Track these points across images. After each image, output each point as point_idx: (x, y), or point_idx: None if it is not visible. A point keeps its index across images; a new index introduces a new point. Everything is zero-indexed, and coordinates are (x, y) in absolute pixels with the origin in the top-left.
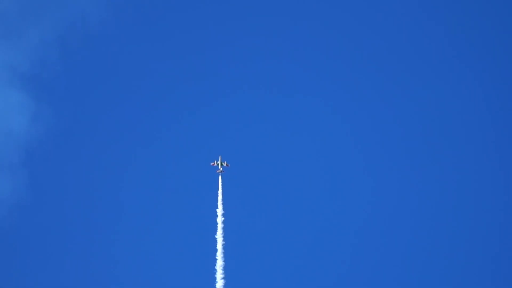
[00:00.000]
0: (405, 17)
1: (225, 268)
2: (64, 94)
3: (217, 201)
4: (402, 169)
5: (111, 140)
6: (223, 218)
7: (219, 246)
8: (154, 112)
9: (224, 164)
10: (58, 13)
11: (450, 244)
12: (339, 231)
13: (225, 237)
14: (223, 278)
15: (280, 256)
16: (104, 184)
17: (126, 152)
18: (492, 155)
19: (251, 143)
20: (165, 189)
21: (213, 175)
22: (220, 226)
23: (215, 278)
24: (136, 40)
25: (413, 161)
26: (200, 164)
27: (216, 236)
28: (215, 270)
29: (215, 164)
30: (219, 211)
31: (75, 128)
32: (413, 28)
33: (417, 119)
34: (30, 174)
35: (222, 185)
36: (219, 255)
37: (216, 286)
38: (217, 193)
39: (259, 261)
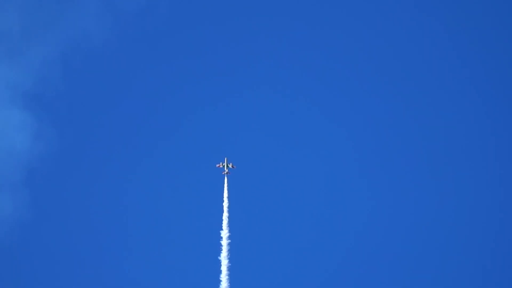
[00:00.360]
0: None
1: (230, 269)
2: (67, 113)
3: (222, 203)
4: (404, 168)
5: (114, 160)
6: (228, 220)
7: (224, 248)
8: (156, 124)
9: (230, 166)
10: (61, 32)
11: (448, 246)
12: (343, 232)
13: (230, 239)
14: (228, 279)
15: (285, 257)
16: (106, 204)
17: (129, 173)
18: (491, 158)
19: (257, 145)
20: (170, 193)
21: (219, 176)
22: (225, 227)
23: (219, 279)
24: (139, 60)
25: (414, 162)
26: (206, 165)
27: (221, 238)
28: (220, 271)
29: (221, 166)
30: (225, 212)
31: (77, 147)
32: (413, 30)
33: (416, 120)
34: (32, 193)
35: (228, 186)
36: (224, 257)
37: (221, 287)
38: (223, 195)
39: (264, 262)
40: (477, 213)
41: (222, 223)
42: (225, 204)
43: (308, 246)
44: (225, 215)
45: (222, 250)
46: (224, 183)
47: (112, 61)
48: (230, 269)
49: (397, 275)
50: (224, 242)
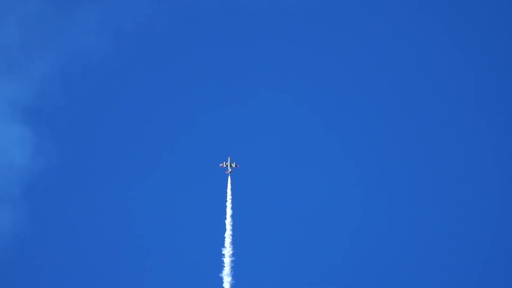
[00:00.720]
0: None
1: (233, 266)
2: (66, 128)
3: (225, 202)
4: (404, 171)
5: (113, 174)
6: (231, 219)
7: (227, 245)
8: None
9: (233, 165)
10: (61, 47)
11: (445, 249)
12: (344, 231)
13: (233, 237)
14: (231, 277)
15: (288, 256)
16: (106, 218)
17: (129, 187)
18: (489, 160)
19: (260, 144)
20: (174, 194)
21: (223, 176)
22: (228, 226)
23: (222, 277)
24: (138, 75)
25: (414, 166)
26: (210, 165)
27: (225, 236)
28: (223, 268)
29: (224, 165)
30: (228, 211)
31: (77, 162)
32: (416, 36)
33: (416, 124)
34: (32, 208)
35: (231, 186)
36: (227, 254)
37: (224, 286)
38: (226, 194)
39: (267, 260)
40: (474, 215)
41: (225, 222)
42: (229, 203)
43: (309, 245)
44: (229, 213)
45: (225, 248)
46: (227, 182)
47: (111, 76)
48: (233, 266)
49: (397, 275)
50: (227, 241)
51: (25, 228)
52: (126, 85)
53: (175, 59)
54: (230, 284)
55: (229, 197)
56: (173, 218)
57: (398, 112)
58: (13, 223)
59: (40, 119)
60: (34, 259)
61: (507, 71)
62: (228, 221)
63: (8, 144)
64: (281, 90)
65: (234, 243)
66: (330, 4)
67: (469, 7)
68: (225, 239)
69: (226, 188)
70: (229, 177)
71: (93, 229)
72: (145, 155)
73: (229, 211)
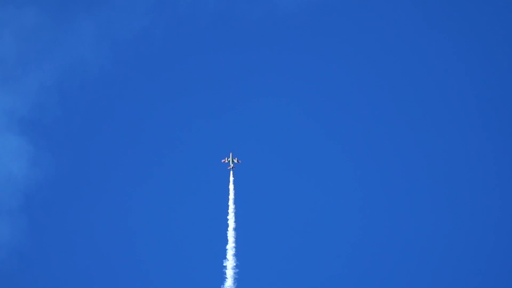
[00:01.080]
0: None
1: (236, 262)
2: (64, 139)
3: (228, 197)
4: (404, 175)
5: (111, 185)
6: (234, 214)
7: (230, 242)
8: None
9: (235, 161)
10: (58, 59)
11: (446, 254)
12: (345, 231)
13: (236, 232)
14: (233, 275)
15: (290, 253)
16: (104, 229)
17: (127, 198)
18: (487, 162)
19: (261, 140)
20: (173, 201)
21: (225, 171)
22: (231, 222)
23: (225, 275)
24: (135, 86)
25: (414, 168)
26: (211, 160)
27: (227, 232)
28: (225, 266)
29: (226, 161)
30: (230, 207)
31: (74, 173)
32: (412, 38)
33: (415, 127)
34: (29, 219)
35: (233, 181)
36: (230, 249)
37: (226, 284)
38: (228, 189)
39: (269, 258)
40: (474, 219)
41: (228, 216)
42: (231, 197)
43: (311, 242)
44: (231, 208)
45: (228, 243)
46: (229, 177)
47: (108, 86)
48: (236, 261)
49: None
50: (230, 236)
51: (23, 239)
52: (123, 96)
53: (171, 68)
54: (233, 278)
55: (231, 192)
56: (173, 221)
57: (397, 116)
58: (11, 235)
59: (37, 130)
60: (32, 271)
61: (506, 72)
62: (231, 217)
63: (6, 156)
64: (278, 94)
65: (237, 236)
66: (327, 10)
67: (467, 10)
68: (228, 237)
69: (228, 184)
70: (231, 173)
71: (91, 240)
72: (143, 165)
73: (231, 206)
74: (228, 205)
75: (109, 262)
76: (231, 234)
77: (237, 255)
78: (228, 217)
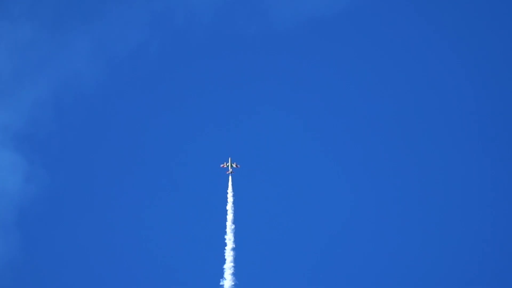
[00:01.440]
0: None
1: (234, 267)
2: (58, 154)
3: (226, 202)
4: (404, 172)
5: (106, 200)
6: (232, 218)
7: (228, 246)
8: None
9: (234, 165)
10: (53, 73)
11: (447, 257)
12: (344, 231)
13: (234, 237)
14: (232, 278)
15: (289, 256)
16: (98, 245)
17: (122, 213)
18: (483, 162)
19: (260, 144)
20: (174, 197)
21: (223, 176)
22: (229, 225)
23: (223, 279)
24: (130, 101)
25: (412, 170)
26: (210, 165)
27: (226, 237)
28: (224, 269)
29: (225, 166)
30: (229, 211)
31: (68, 188)
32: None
33: (411, 125)
34: (23, 234)
35: (232, 186)
36: (228, 254)
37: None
38: (227, 194)
39: (268, 261)
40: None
41: (226, 222)
42: (230, 203)
43: (315, 245)
44: (230, 213)
45: (226, 247)
46: (228, 182)
47: (103, 102)
48: (234, 267)
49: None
50: (229, 240)
51: (17, 255)
52: (119, 111)
53: (167, 83)
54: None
55: (230, 197)
56: (171, 226)
57: (395, 127)
58: (4, 250)
59: (31, 145)
60: (25, 286)
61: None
62: (229, 221)
63: (0, 171)
64: (274, 103)
65: (235, 241)
66: (321, 28)
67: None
68: (226, 238)
69: (227, 189)
70: (230, 178)
71: (85, 256)
72: (138, 179)
73: (230, 211)
74: (226, 210)
75: (103, 277)
76: (229, 239)
77: (235, 259)
78: (226, 221)
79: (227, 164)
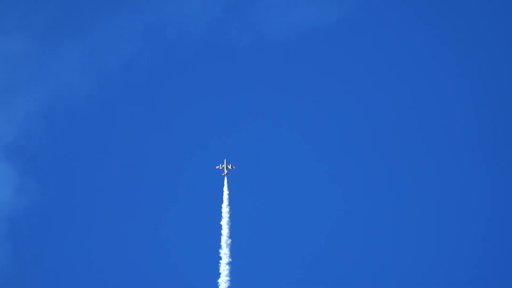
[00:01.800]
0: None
1: (230, 268)
2: (49, 166)
3: (222, 203)
4: (404, 172)
5: (97, 213)
6: (228, 220)
7: (224, 248)
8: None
9: (230, 167)
10: (44, 85)
11: (446, 258)
12: (343, 231)
13: (230, 237)
14: (227, 280)
15: (285, 258)
16: (90, 257)
17: (114, 227)
18: (480, 163)
19: (256, 145)
20: (170, 194)
21: (219, 178)
22: (225, 226)
23: (218, 281)
24: (122, 114)
25: (411, 170)
26: (206, 167)
27: (221, 239)
28: (220, 272)
29: (221, 167)
30: (225, 212)
31: (60, 200)
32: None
33: (413, 130)
34: (14, 246)
35: (228, 187)
36: (225, 255)
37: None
38: (222, 195)
39: (264, 263)
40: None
41: (222, 223)
42: (225, 204)
43: (311, 246)
44: (225, 215)
45: (222, 248)
46: (224, 184)
47: (95, 114)
48: (230, 267)
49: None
50: (224, 241)
51: (8, 267)
52: (110, 123)
53: (158, 96)
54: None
55: (225, 198)
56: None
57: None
58: None
59: (23, 157)
60: None
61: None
62: (225, 222)
63: None
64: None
65: (231, 242)
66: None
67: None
68: (222, 239)
69: (223, 190)
70: (225, 179)
71: (77, 268)
72: (130, 191)
73: (225, 212)
74: (221, 211)
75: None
76: (224, 240)
77: (231, 261)
78: (221, 222)
79: (223, 165)
